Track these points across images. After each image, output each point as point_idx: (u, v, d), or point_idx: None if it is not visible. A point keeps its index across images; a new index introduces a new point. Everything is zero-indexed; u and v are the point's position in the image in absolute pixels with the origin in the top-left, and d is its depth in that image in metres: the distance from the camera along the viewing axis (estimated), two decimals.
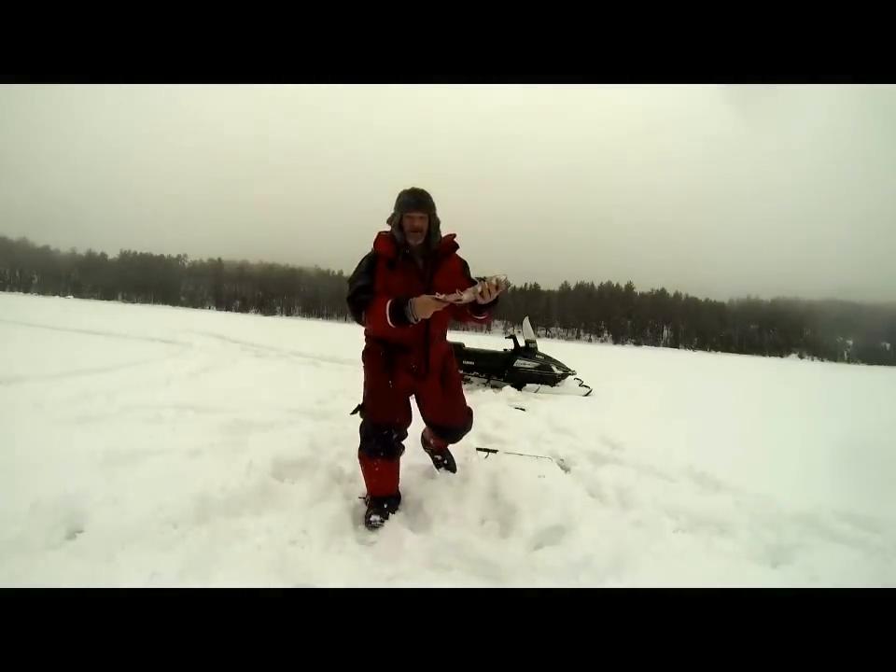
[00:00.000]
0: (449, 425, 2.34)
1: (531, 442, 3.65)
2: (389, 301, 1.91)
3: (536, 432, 4.02)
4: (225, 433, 3.12)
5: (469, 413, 2.39)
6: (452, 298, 1.86)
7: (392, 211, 2.10)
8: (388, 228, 2.13)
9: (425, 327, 2.10)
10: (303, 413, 4.00)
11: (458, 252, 2.19)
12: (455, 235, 2.18)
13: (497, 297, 1.88)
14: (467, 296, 1.84)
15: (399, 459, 2.20)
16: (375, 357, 2.17)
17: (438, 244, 2.11)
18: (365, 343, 2.24)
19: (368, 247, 2.15)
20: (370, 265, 2.06)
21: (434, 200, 2.13)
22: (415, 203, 2.04)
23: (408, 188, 2.11)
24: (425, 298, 1.87)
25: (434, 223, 2.10)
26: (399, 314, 1.89)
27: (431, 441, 2.55)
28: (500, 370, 7.05)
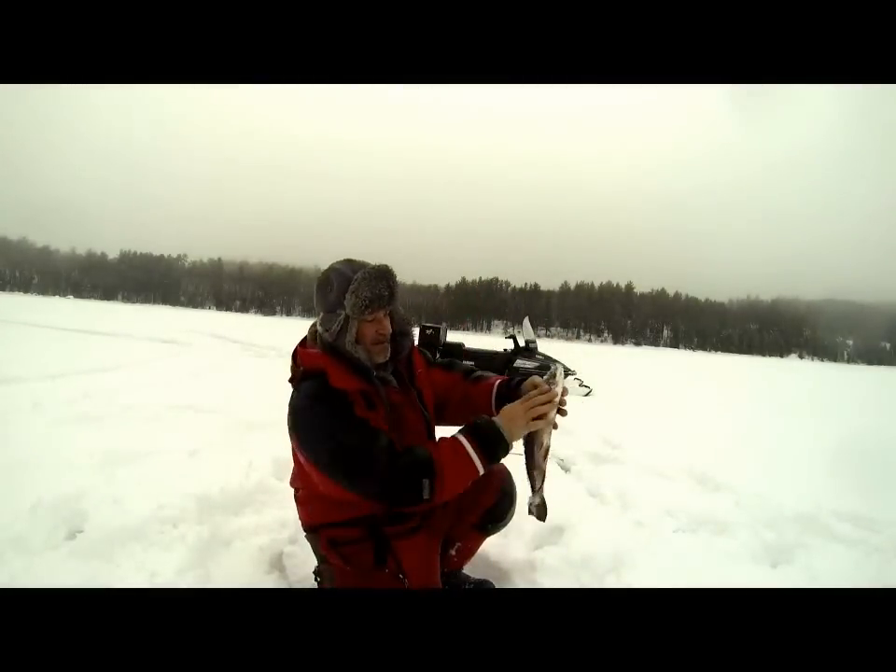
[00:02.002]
0: (501, 496, 1.48)
1: None
2: (468, 436, 1.19)
3: None
4: (225, 433, 3.12)
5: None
6: (549, 391, 1.23)
7: (324, 309, 1.27)
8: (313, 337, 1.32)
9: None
10: None
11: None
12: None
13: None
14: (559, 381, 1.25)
15: None
16: (361, 553, 1.31)
17: (413, 343, 1.41)
18: (320, 535, 1.34)
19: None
20: (349, 412, 1.20)
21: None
22: (389, 298, 1.25)
23: (357, 263, 1.26)
24: (514, 409, 1.21)
25: (399, 316, 1.36)
26: (497, 443, 1.19)
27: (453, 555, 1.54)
28: (500, 370, 7.05)
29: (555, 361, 7.42)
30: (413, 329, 1.38)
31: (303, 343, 1.35)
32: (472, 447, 1.17)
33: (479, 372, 1.46)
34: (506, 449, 1.19)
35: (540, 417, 1.21)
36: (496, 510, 1.46)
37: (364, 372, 1.25)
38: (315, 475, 1.24)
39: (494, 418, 1.21)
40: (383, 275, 1.24)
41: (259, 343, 11.79)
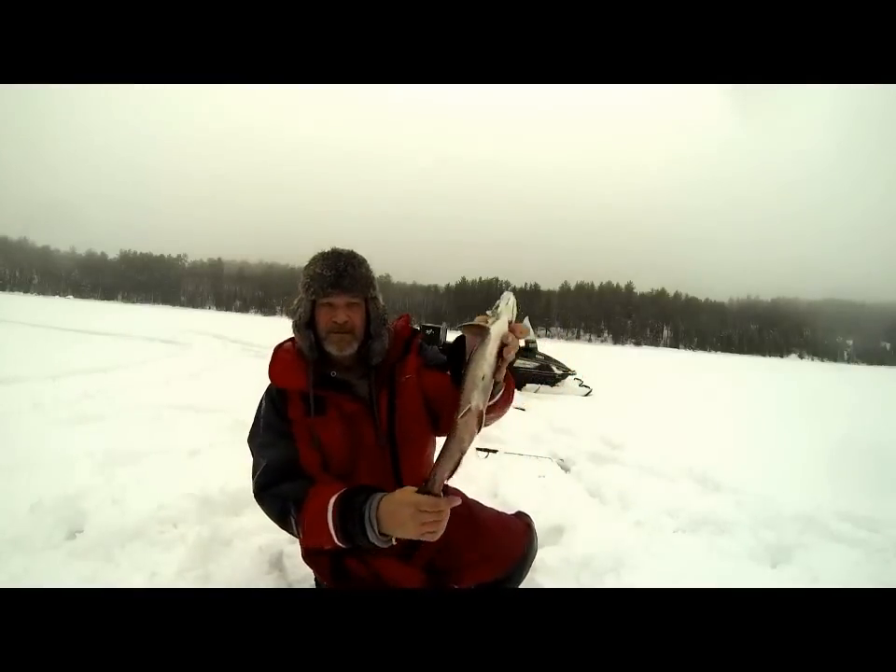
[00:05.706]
0: (503, 574, 1.29)
1: (531, 442, 3.65)
2: (335, 499, 1.05)
3: (536, 432, 4.03)
4: (225, 433, 3.12)
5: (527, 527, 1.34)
6: (455, 455, 0.96)
7: (299, 295, 1.23)
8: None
9: (392, 468, 1.23)
10: None
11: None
12: (408, 319, 1.32)
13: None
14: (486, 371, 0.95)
15: None
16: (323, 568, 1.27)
17: (385, 349, 1.23)
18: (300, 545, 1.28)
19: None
20: (274, 413, 1.19)
21: (371, 269, 1.24)
22: (333, 279, 1.16)
23: (324, 251, 1.22)
24: (403, 496, 0.99)
25: (375, 313, 1.23)
26: (355, 523, 1.02)
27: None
28: None
29: (552, 359, 7.36)
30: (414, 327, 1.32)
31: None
32: (333, 523, 1.03)
33: None
34: (367, 541, 1.02)
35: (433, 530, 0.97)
36: (499, 584, 1.32)
37: (313, 368, 1.20)
38: None
39: (383, 501, 1.01)
40: (333, 257, 1.19)
41: (259, 343, 11.78)
